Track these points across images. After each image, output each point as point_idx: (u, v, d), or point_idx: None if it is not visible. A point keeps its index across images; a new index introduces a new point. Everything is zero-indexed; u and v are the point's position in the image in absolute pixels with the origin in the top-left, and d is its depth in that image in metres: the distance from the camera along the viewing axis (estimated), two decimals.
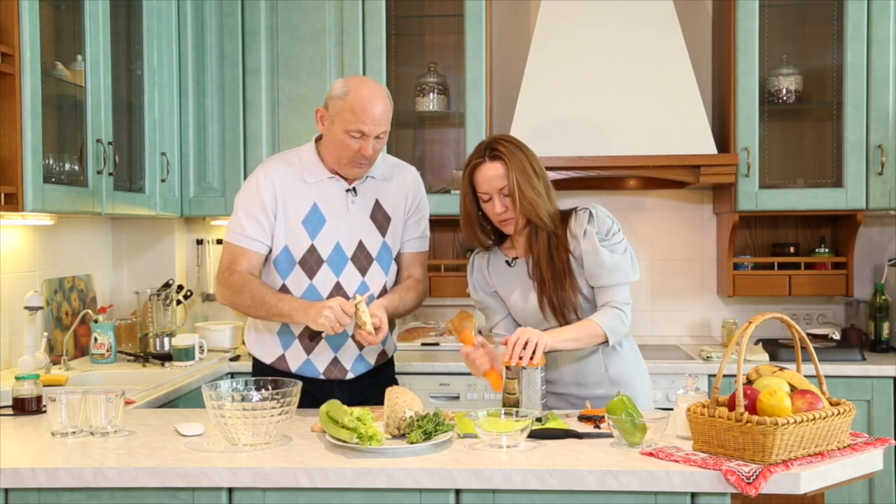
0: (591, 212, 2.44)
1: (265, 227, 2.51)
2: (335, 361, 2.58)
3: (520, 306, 2.50)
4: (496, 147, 2.40)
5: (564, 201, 4.17)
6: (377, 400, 2.41)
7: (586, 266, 2.41)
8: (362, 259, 2.55)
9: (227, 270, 2.52)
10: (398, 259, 2.65)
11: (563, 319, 2.43)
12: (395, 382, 2.76)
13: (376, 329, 2.36)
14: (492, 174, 2.38)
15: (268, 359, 2.62)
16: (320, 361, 2.58)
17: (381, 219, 2.58)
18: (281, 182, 2.52)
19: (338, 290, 2.52)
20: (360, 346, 2.57)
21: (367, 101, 2.40)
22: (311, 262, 2.52)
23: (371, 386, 2.60)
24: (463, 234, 2.53)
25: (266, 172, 2.53)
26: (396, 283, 2.65)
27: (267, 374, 2.56)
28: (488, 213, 2.44)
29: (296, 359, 2.58)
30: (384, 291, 2.59)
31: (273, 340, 2.59)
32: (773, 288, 3.74)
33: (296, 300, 2.46)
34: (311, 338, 2.51)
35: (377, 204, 2.59)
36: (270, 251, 2.54)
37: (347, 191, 2.55)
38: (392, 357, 2.76)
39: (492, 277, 2.54)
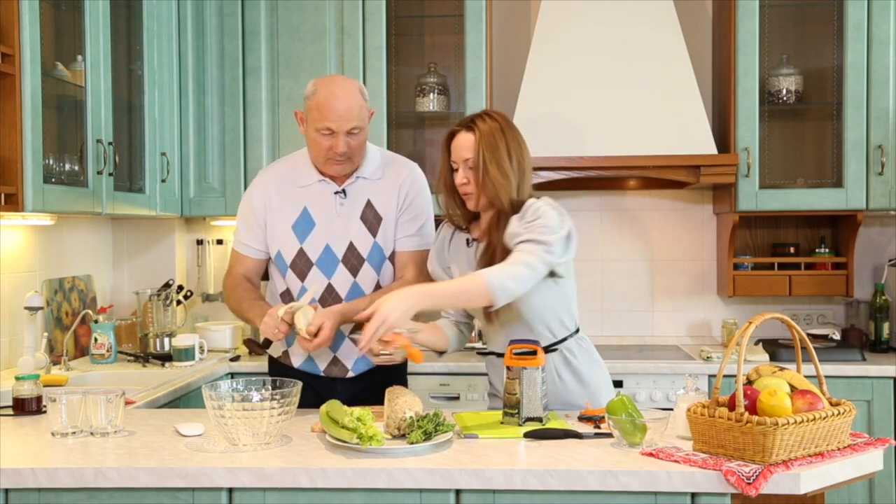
0: (528, 204, 2.32)
1: (257, 234, 2.62)
2: (335, 361, 2.60)
3: None
4: (476, 119, 2.36)
5: (565, 202, 4.17)
6: (382, 398, 2.42)
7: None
8: (353, 260, 2.56)
9: (226, 274, 2.70)
10: (394, 258, 2.62)
11: (487, 317, 2.36)
12: (405, 381, 2.74)
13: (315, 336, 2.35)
14: (461, 144, 2.34)
15: (275, 353, 2.70)
16: (321, 360, 2.61)
17: (371, 219, 2.58)
18: (272, 190, 2.60)
19: (329, 293, 2.55)
20: (333, 350, 2.59)
21: (333, 98, 2.43)
22: (300, 266, 2.57)
23: (376, 384, 2.57)
24: (440, 204, 2.46)
25: (259, 181, 2.66)
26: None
27: (277, 369, 2.68)
28: (455, 182, 2.38)
29: (298, 355, 2.63)
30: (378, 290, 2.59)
31: None
32: (773, 288, 3.74)
33: (260, 307, 2.52)
34: (264, 344, 2.53)
35: (368, 204, 2.58)
36: (270, 256, 2.64)
37: (336, 193, 2.57)
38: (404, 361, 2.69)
39: (450, 252, 2.49)
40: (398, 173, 2.61)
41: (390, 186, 2.60)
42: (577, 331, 2.48)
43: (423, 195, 2.64)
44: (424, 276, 2.57)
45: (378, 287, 2.60)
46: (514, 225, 2.29)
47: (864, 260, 3.91)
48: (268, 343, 2.48)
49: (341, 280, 2.56)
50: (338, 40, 3.71)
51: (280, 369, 2.67)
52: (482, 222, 2.44)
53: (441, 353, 2.48)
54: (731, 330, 3.81)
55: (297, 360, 2.63)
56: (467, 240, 2.46)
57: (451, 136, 2.39)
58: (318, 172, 2.58)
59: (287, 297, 2.60)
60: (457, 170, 2.37)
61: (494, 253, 2.32)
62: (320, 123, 2.44)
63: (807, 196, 3.63)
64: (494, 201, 2.33)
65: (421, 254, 2.60)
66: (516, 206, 2.33)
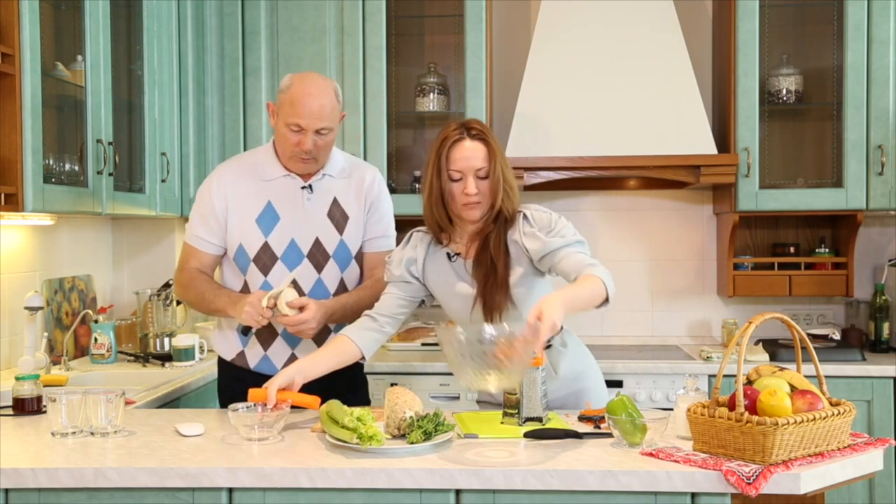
0: (524, 214, 2.35)
1: (213, 229, 2.58)
2: (292, 358, 2.56)
3: (452, 304, 2.43)
4: (476, 127, 2.33)
5: (565, 202, 4.18)
6: (342, 399, 2.41)
7: (541, 261, 2.30)
8: (318, 256, 2.56)
9: (179, 268, 2.66)
10: (362, 259, 2.63)
11: (489, 321, 2.33)
12: (363, 382, 2.75)
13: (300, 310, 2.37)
14: (469, 153, 2.29)
15: (228, 355, 2.65)
16: (278, 359, 2.57)
17: (338, 217, 2.58)
18: (233, 184, 2.57)
19: (294, 287, 2.49)
20: (319, 342, 2.55)
21: (306, 96, 2.42)
22: (264, 259, 2.54)
23: (334, 385, 2.51)
24: (425, 213, 2.39)
25: (219, 176, 2.60)
26: (360, 283, 2.63)
27: (229, 372, 2.65)
28: (455, 193, 2.31)
29: (254, 355, 2.60)
30: (341, 288, 2.59)
31: (233, 337, 2.61)
32: (773, 288, 3.74)
33: (229, 295, 2.52)
34: (243, 332, 2.51)
35: (335, 202, 2.59)
36: (227, 251, 2.60)
37: (303, 188, 2.56)
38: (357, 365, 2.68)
39: (426, 266, 2.44)
40: (363, 176, 2.63)
41: (355, 188, 2.61)
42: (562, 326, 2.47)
43: (387, 198, 2.68)
44: None
45: (342, 284, 2.58)
46: (538, 239, 2.30)
47: (864, 260, 3.91)
48: (247, 330, 2.47)
49: (305, 275, 2.54)
50: (338, 40, 3.71)
51: (233, 372, 2.62)
52: (461, 234, 2.40)
53: (361, 359, 2.43)
54: (731, 330, 3.81)
55: (252, 362, 2.59)
56: (448, 254, 2.42)
57: (452, 143, 2.31)
58: (283, 167, 2.57)
59: (245, 292, 2.55)
60: (460, 179, 2.31)
61: (493, 261, 2.32)
62: (290, 119, 2.44)
63: (807, 196, 3.63)
64: (506, 210, 2.33)
65: (389, 253, 2.60)
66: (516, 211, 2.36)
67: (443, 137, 2.34)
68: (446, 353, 2.08)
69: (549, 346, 2.40)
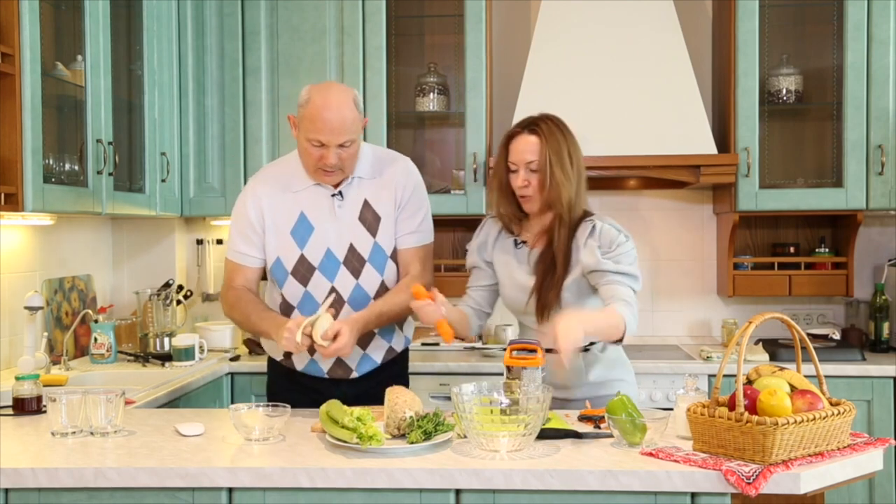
0: (594, 225, 2.40)
1: (255, 242, 2.56)
2: (339, 362, 2.57)
3: (509, 291, 2.51)
4: (538, 123, 2.42)
5: None
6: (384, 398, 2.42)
7: (591, 277, 2.38)
8: (354, 262, 2.53)
9: (225, 286, 2.63)
10: (397, 256, 2.59)
11: (541, 316, 2.41)
12: (407, 379, 2.75)
13: (334, 339, 2.32)
14: (523, 147, 2.39)
15: (277, 356, 2.66)
16: (325, 362, 2.58)
17: (370, 219, 2.54)
18: (267, 196, 2.55)
19: (333, 308, 2.49)
20: (364, 345, 2.57)
21: (325, 110, 2.37)
22: (302, 271, 2.53)
23: (379, 383, 2.56)
24: (492, 202, 2.52)
25: (253, 189, 2.58)
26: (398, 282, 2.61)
27: (278, 371, 2.66)
28: (512, 184, 2.43)
29: (301, 358, 2.59)
30: (382, 291, 2.56)
31: None
32: (773, 288, 3.74)
33: (274, 319, 2.48)
34: (285, 356, 2.49)
35: (366, 204, 2.54)
36: (266, 263, 2.58)
37: (333, 195, 2.53)
38: (405, 352, 2.72)
39: (494, 249, 2.54)
40: (393, 171, 2.58)
41: (386, 185, 2.56)
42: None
43: (419, 190, 2.61)
44: (428, 271, 2.60)
45: (383, 286, 2.56)
46: (593, 254, 2.35)
47: (864, 260, 3.91)
48: (289, 355, 2.46)
49: (343, 282, 2.52)
50: (338, 40, 3.71)
51: (282, 371, 2.65)
52: (532, 225, 2.49)
53: (461, 338, 2.54)
54: (731, 330, 3.81)
55: (299, 364, 2.60)
56: (515, 241, 2.51)
57: (511, 136, 2.43)
58: (311, 177, 2.54)
59: (285, 306, 2.56)
60: (515, 171, 2.40)
61: (554, 259, 2.40)
62: (311, 135, 2.39)
63: (807, 196, 3.63)
64: (554, 205, 2.39)
65: (424, 249, 2.60)
66: (574, 213, 2.41)
67: (508, 131, 2.47)
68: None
69: (588, 349, 2.44)
